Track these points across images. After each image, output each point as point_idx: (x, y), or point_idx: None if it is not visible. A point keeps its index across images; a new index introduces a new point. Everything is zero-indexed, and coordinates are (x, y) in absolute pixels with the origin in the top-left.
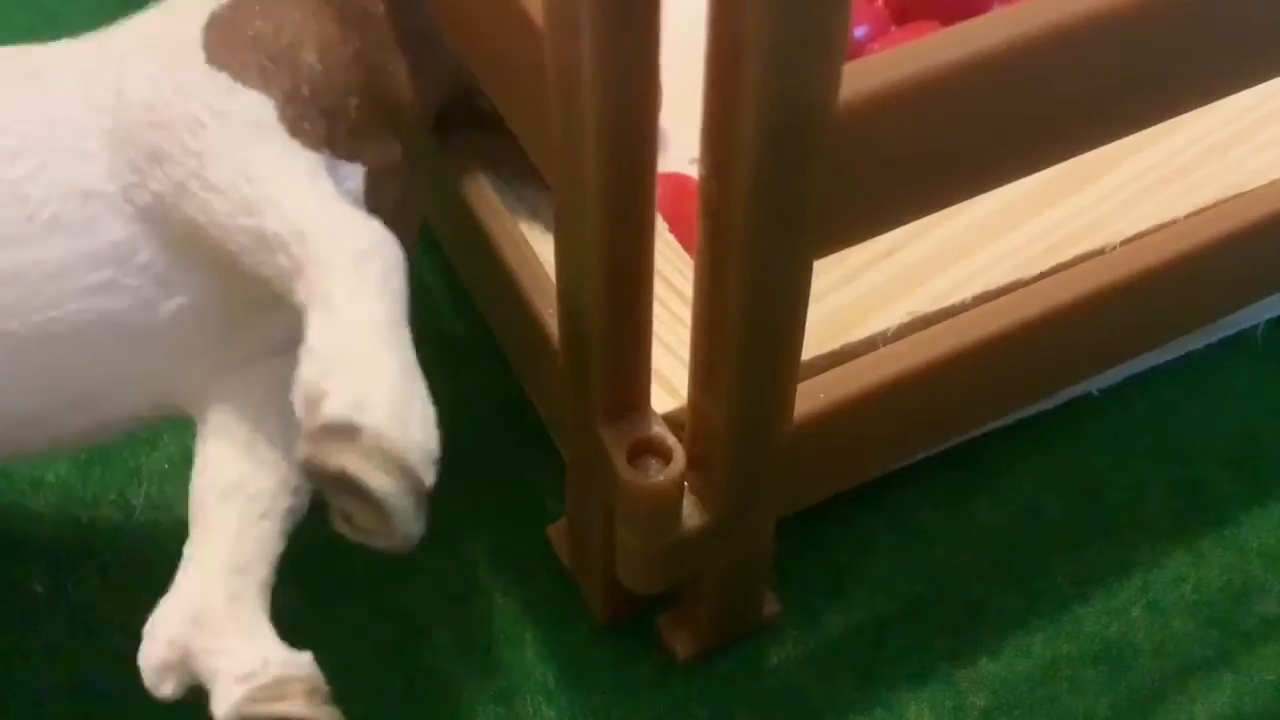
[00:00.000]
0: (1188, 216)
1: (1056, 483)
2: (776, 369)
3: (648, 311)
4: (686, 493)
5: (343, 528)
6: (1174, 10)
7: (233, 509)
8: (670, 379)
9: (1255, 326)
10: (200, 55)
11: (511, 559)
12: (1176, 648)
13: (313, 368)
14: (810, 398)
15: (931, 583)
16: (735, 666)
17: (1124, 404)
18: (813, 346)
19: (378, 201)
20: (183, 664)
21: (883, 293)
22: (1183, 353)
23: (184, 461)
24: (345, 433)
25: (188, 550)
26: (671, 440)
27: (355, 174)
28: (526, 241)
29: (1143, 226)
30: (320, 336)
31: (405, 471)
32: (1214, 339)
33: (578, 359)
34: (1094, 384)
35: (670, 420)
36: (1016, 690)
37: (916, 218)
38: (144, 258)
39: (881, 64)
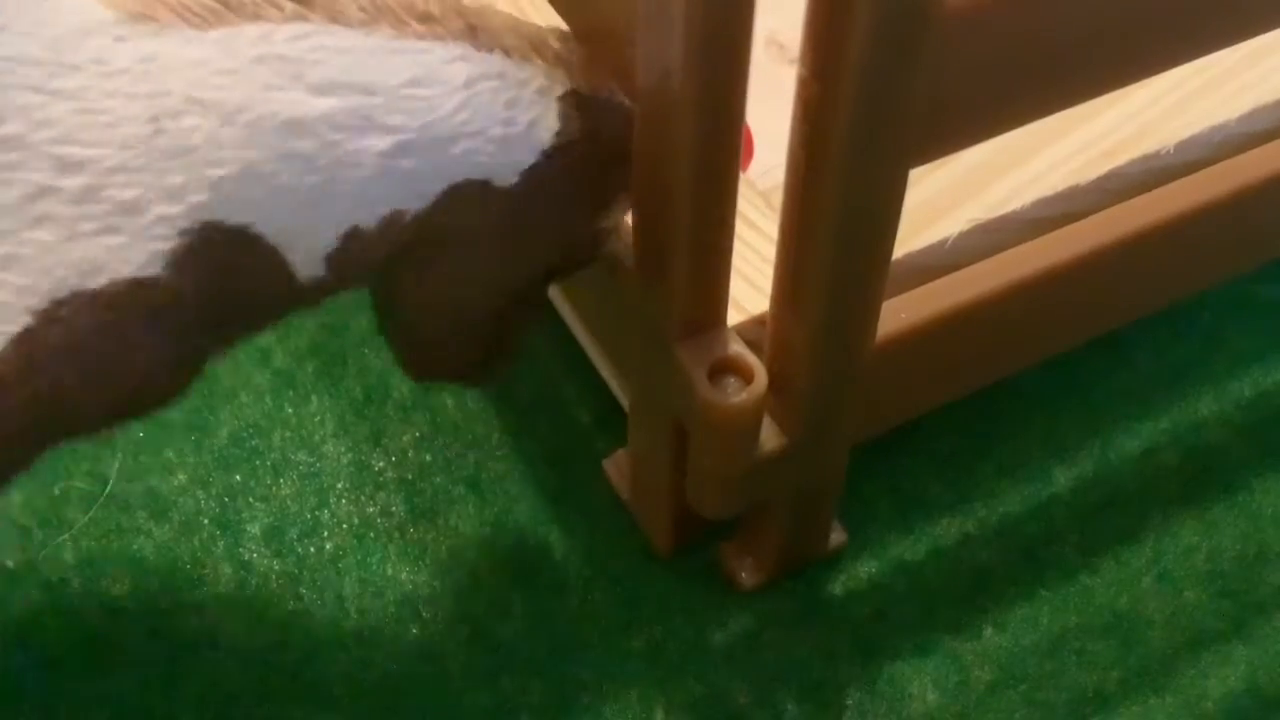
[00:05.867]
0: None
1: (1064, 449)
2: (864, 282)
3: (732, 222)
4: (765, 415)
5: None
6: None
7: None
8: (737, 299)
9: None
10: None
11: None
12: (1188, 619)
13: None
14: (892, 318)
15: (934, 552)
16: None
17: (1133, 369)
18: None
19: None
20: None
21: (941, 201)
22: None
23: (159, 431)
24: None
25: None
26: (752, 359)
27: None
28: None
29: (1194, 130)
30: None
31: None
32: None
33: (654, 275)
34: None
35: (741, 333)
36: (1023, 663)
37: (1024, 122)
38: None
39: None
